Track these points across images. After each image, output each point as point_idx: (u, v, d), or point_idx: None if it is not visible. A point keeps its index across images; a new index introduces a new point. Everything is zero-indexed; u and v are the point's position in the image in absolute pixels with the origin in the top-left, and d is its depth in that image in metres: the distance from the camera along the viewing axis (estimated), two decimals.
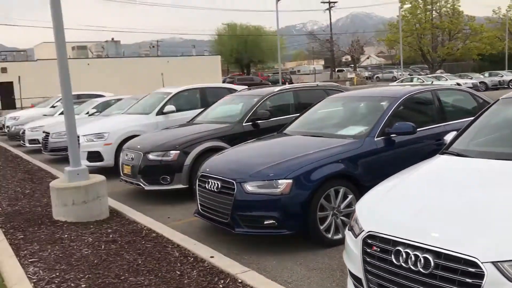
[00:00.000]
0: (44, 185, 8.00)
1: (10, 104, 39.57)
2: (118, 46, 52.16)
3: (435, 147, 5.30)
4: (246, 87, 11.68)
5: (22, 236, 5.35)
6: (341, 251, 3.55)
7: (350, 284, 3.28)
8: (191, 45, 64.71)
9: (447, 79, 34.96)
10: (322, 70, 72.41)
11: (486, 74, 40.65)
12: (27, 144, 13.85)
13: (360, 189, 4.83)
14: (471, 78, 38.07)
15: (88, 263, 4.50)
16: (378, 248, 2.88)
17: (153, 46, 63.61)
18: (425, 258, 2.59)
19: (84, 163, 8.89)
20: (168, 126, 9.10)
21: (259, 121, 7.69)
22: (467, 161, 3.70)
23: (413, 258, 2.64)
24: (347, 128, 5.91)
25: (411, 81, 33.10)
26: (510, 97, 4.32)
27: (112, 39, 52.47)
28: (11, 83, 39.55)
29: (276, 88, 8.64)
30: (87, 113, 13.94)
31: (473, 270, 2.40)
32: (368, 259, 2.94)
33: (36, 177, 9.06)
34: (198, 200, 5.45)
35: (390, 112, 5.64)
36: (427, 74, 45.62)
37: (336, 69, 67.58)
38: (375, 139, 5.35)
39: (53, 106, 18.71)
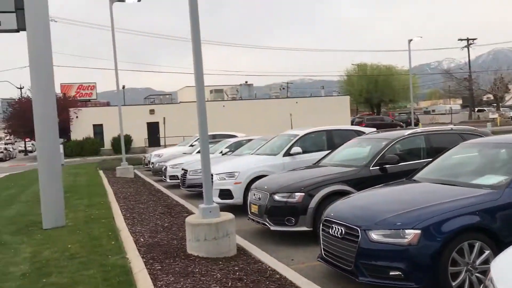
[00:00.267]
0: (181, 219, 8.64)
1: (155, 142, 43.77)
2: (251, 88, 54.99)
3: None
4: (375, 129, 11.49)
5: (160, 267, 5.82)
6: None
7: None
8: (320, 86, 65.57)
9: None
10: (459, 109, 68.11)
11: None
12: (168, 180, 15.12)
13: (499, 245, 4.44)
14: None
15: None
16: None
17: (283, 88, 65.88)
18: None
19: (216, 200, 9.49)
20: (294, 167, 9.29)
21: (387, 166, 7.49)
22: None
23: None
24: (484, 176, 5.49)
25: None
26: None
27: (246, 82, 55.56)
28: (157, 123, 43.79)
29: (406, 132, 8.37)
30: (221, 152, 14.84)
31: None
32: None
33: (174, 211, 9.82)
34: (321, 245, 5.44)
35: None
36: None
37: (476, 109, 62.97)
38: None
39: (191, 145, 20.29)
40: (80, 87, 51.03)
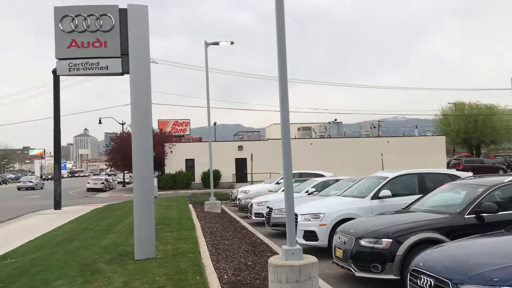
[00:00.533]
0: (264, 258, 8.64)
1: (243, 178, 44.65)
2: (340, 126, 54.47)
3: None
4: (471, 173, 10.81)
5: None
6: None
7: None
8: (414, 125, 63.39)
9: None
10: None
11: None
12: (253, 217, 15.27)
13: None
14: None
15: None
16: None
17: (374, 127, 64.46)
18: None
19: (300, 241, 9.41)
20: (382, 211, 8.97)
21: (484, 214, 6.98)
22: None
23: None
24: None
25: None
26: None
27: (335, 120, 55.21)
28: (245, 159, 44.73)
29: (507, 178, 7.77)
30: (307, 191, 14.75)
31: None
32: None
33: (258, 250, 9.85)
34: None
35: None
36: None
37: None
38: None
39: (278, 183, 20.42)
40: (175, 123, 53.87)
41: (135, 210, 9.20)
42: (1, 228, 17.50)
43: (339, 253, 7.56)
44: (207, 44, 20.57)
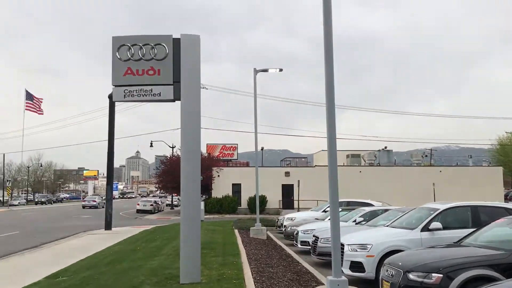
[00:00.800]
0: None
1: (289, 204, 44.38)
2: (390, 154, 53.35)
3: None
4: None
5: None
6: None
7: None
8: (468, 155, 61.17)
9: None
10: None
11: None
12: (299, 245, 15.08)
13: None
14: None
15: None
16: None
17: (426, 155, 62.66)
18: None
19: (347, 271, 9.21)
20: (433, 244, 8.67)
21: None
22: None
23: None
24: None
25: None
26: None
27: (385, 147, 54.14)
28: (292, 185, 44.51)
29: None
30: (354, 221, 14.47)
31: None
32: None
33: (303, 279, 9.70)
34: None
35: None
36: None
37: None
38: None
39: (324, 211, 20.14)
40: (223, 147, 54.61)
41: (182, 234, 9.34)
42: (54, 246, 18.18)
43: (386, 286, 7.33)
44: (256, 71, 20.90)
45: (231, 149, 54.83)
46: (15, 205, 68.81)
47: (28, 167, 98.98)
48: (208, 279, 9.37)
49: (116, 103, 25.92)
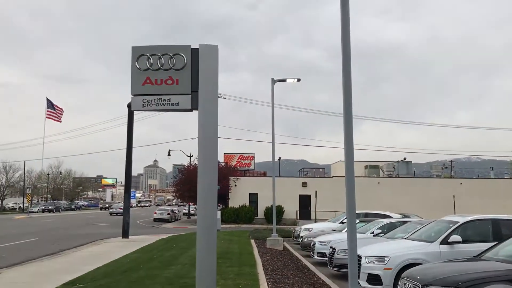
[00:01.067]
0: None
1: (306, 215, 44.07)
2: (409, 165, 52.70)
3: None
4: None
5: None
6: None
7: None
8: (489, 167, 60.17)
9: None
10: None
11: None
12: (316, 256, 14.94)
13: None
14: None
15: None
16: None
17: (446, 167, 61.75)
18: None
19: (364, 284, 9.09)
20: (452, 257, 8.51)
21: None
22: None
23: None
24: None
25: None
26: None
27: (404, 159, 53.52)
28: (309, 196, 44.26)
29: None
30: (372, 233, 14.29)
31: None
32: None
33: None
34: None
35: None
36: None
37: None
38: None
39: (342, 222, 19.96)
40: (240, 157, 54.68)
41: (198, 243, 9.31)
42: (72, 253, 18.36)
43: None
44: (274, 81, 20.94)
45: (249, 158, 54.87)
46: (35, 212, 69.86)
47: (48, 175, 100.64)
48: None
49: (135, 112, 26.21)
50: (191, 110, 9.01)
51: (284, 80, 21.64)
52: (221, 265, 12.16)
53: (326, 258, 13.27)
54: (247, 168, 54.72)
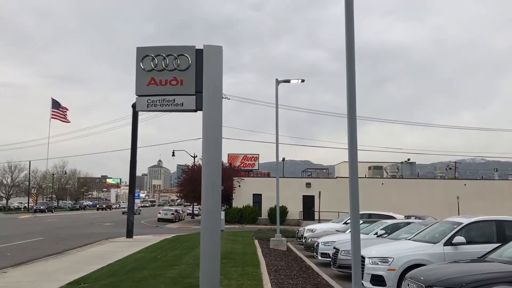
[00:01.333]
0: None
1: (310, 215, 44.06)
2: (413, 166, 52.64)
3: None
4: None
5: None
6: None
7: None
8: (494, 168, 59.95)
9: None
10: None
11: None
12: (319, 257, 14.94)
13: None
14: None
15: None
16: None
17: (450, 168, 61.60)
18: None
19: (367, 285, 9.09)
20: (456, 259, 8.50)
21: None
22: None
23: None
24: None
25: None
26: None
27: (408, 159, 53.46)
28: (313, 196, 44.24)
29: None
30: (376, 233, 14.28)
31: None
32: None
33: None
34: None
35: None
36: None
37: None
38: None
39: (345, 223, 19.95)
40: (244, 157, 54.70)
41: (202, 244, 9.35)
42: (77, 253, 18.43)
43: None
44: (278, 82, 20.94)
45: (252, 159, 54.89)
46: (40, 212, 70.24)
47: (53, 175, 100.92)
48: None
49: (140, 113, 26.27)
50: (195, 110, 9.04)
51: (288, 81, 21.65)
52: (224, 265, 12.18)
53: (330, 259, 13.27)
54: (251, 168, 54.74)
